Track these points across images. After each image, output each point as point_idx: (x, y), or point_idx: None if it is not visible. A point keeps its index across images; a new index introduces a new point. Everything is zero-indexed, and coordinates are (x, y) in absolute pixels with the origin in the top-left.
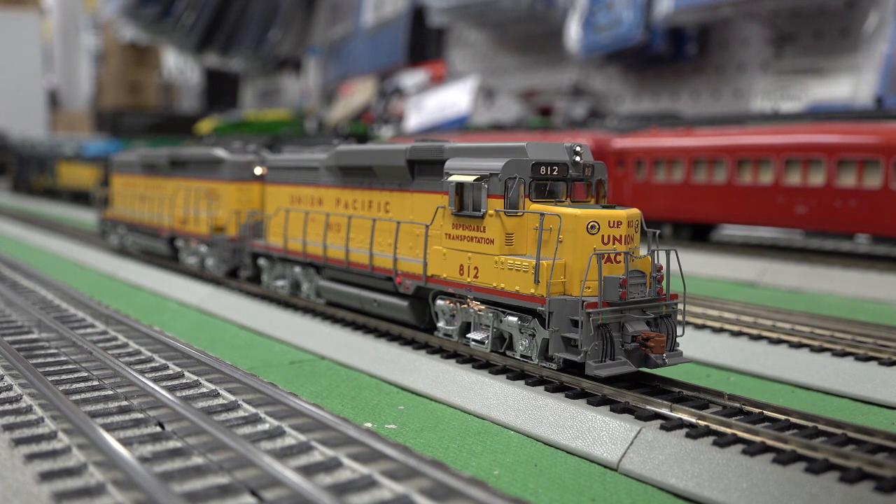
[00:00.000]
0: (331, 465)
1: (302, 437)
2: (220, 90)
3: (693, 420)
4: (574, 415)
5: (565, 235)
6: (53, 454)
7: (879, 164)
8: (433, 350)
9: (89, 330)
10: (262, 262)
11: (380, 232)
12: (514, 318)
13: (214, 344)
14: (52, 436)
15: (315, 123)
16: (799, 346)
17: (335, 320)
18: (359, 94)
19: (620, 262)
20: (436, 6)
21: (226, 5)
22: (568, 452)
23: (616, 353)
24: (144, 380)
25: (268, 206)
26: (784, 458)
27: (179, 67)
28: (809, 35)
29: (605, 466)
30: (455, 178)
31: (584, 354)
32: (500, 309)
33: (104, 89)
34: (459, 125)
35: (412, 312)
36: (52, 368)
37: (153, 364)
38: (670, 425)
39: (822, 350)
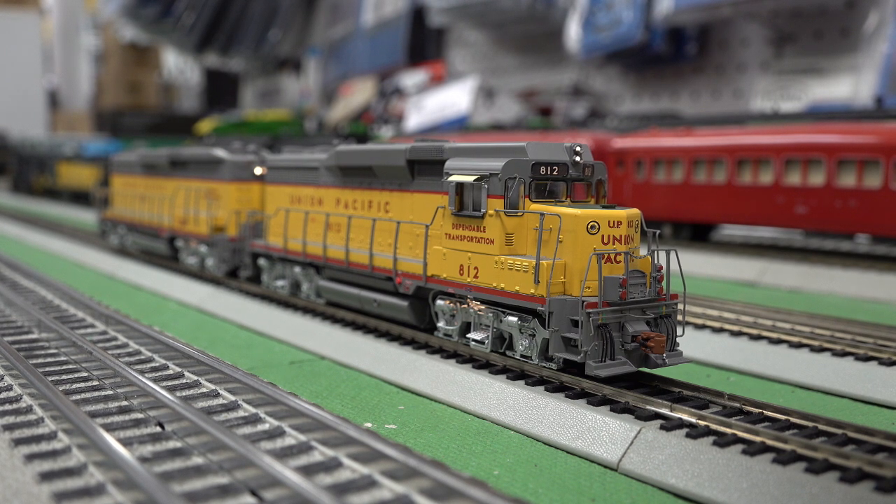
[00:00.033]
0: (331, 465)
1: (302, 437)
2: (220, 90)
3: (693, 420)
4: (574, 415)
5: (565, 235)
6: (53, 454)
7: (879, 164)
8: (433, 350)
9: (89, 330)
10: (262, 262)
11: (380, 232)
12: (514, 318)
13: (214, 344)
14: (52, 436)
15: (315, 123)
16: (799, 346)
17: (335, 320)
18: (359, 94)
19: (620, 262)
20: (436, 6)
21: (226, 5)
22: (568, 452)
23: (616, 353)
24: (144, 380)
25: (268, 206)
26: (784, 458)
27: (179, 67)
28: (809, 35)
29: (605, 466)
30: (455, 178)
31: (584, 354)
32: (500, 309)
33: (104, 89)
34: (459, 125)
35: (412, 312)
36: (52, 368)
37: (153, 364)
38: (670, 425)
39: (822, 350)
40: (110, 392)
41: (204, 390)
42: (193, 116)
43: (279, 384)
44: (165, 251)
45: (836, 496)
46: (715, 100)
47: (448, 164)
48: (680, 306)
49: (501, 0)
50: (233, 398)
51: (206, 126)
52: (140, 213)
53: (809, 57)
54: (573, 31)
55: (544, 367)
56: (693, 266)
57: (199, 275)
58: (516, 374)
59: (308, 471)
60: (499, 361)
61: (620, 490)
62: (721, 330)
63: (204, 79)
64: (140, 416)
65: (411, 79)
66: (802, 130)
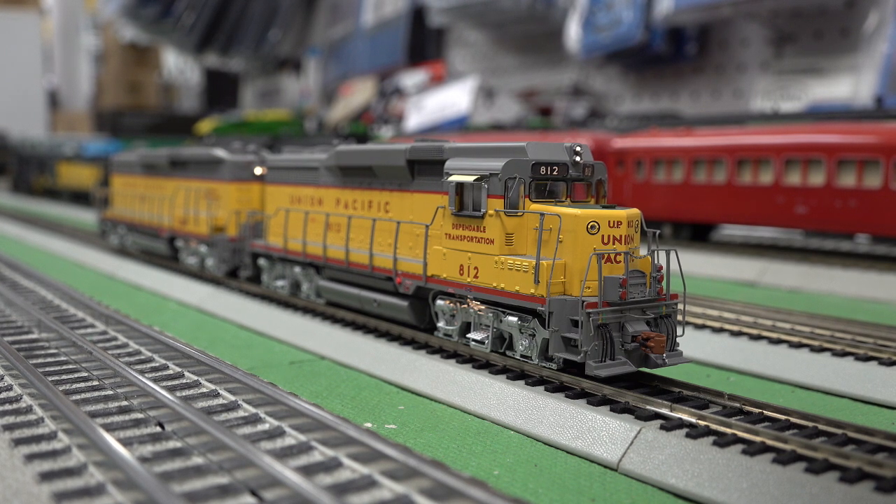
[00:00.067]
0: (331, 465)
1: (302, 437)
2: (220, 90)
3: (693, 420)
4: (574, 415)
5: (565, 235)
6: (53, 454)
7: (879, 164)
8: (433, 350)
9: (89, 330)
10: (262, 262)
11: (380, 232)
12: (514, 318)
13: (214, 344)
14: (52, 436)
15: (315, 123)
16: (799, 346)
17: (335, 320)
18: (359, 94)
19: (620, 262)
20: (436, 6)
21: (226, 5)
22: (568, 452)
23: (616, 353)
24: (144, 380)
25: (268, 206)
26: (784, 458)
27: (179, 67)
28: (809, 35)
29: (605, 466)
30: (455, 178)
31: (584, 354)
32: (500, 309)
33: (104, 89)
34: (459, 125)
35: (412, 312)
36: (52, 368)
37: (153, 364)
38: (670, 425)
39: (822, 350)
40: (110, 392)
41: (204, 390)
42: (193, 116)
43: (279, 384)
44: (165, 251)
45: (836, 496)
46: (715, 100)
47: (448, 164)
48: (680, 306)
49: (501, 0)
50: (233, 398)
51: (206, 126)
52: (140, 213)
53: (809, 57)
54: (573, 31)
55: (544, 367)
56: (693, 266)
57: (199, 275)
58: (516, 374)
59: (308, 471)
60: (499, 361)
61: (620, 490)
62: (721, 330)
63: (204, 79)
64: (140, 416)
65: (411, 79)
66: (802, 130)
